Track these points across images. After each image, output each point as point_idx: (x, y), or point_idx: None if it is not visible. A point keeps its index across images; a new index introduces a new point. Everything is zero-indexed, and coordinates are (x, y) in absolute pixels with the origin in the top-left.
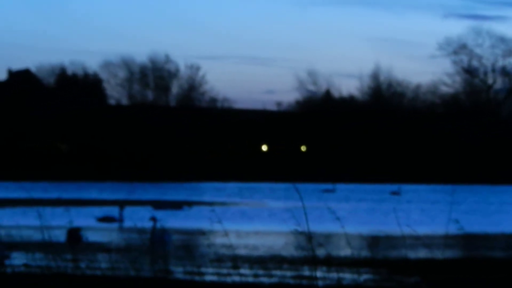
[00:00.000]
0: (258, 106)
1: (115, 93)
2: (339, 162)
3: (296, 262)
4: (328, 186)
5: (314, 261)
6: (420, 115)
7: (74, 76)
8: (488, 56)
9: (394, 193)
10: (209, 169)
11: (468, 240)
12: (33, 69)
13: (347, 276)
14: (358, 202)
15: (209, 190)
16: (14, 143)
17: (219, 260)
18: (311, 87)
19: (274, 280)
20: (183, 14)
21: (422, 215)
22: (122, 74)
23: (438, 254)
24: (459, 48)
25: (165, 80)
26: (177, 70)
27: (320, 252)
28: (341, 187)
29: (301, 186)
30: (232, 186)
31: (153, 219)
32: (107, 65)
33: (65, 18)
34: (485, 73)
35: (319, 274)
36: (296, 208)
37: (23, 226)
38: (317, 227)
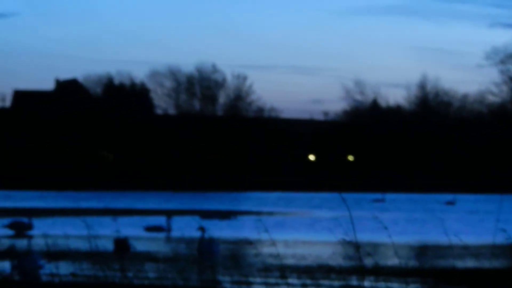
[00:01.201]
0: (305, 115)
1: (162, 103)
2: (387, 171)
3: (344, 271)
4: (378, 195)
5: (362, 271)
6: (467, 125)
7: (121, 86)
8: None
9: (449, 203)
10: (256, 178)
11: None
12: (80, 79)
13: (395, 285)
14: (408, 211)
15: (256, 200)
16: (61, 152)
17: (266, 269)
18: (358, 97)
19: None
20: (230, 24)
21: (470, 224)
22: (169, 84)
23: (486, 263)
24: (506, 58)
25: (212, 90)
26: (224, 80)
27: (368, 261)
28: (391, 196)
29: (350, 195)
30: (279, 195)
31: (201, 228)
32: (154, 75)
33: (112, 28)
34: None
35: (366, 283)
36: (344, 218)
37: (70, 236)
38: (365, 237)
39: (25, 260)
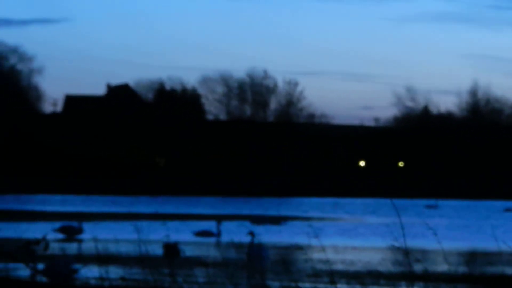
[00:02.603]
0: (355, 122)
1: (213, 108)
2: (438, 177)
3: (393, 277)
4: (431, 202)
5: (411, 277)
6: None
7: (172, 91)
8: None
9: (508, 209)
10: (307, 184)
11: None
12: (132, 84)
13: None
14: (461, 218)
15: (306, 205)
16: (112, 157)
17: (316, 275)
18: (409, 103)
19: None
20: (282, 30)
21: None
22: (220, 89)
23: None
24: None
25: (263, 95)
26: (275, 86)
27: (417, 267)
28: (444, 203)
29: (402, 201)
30: (330, 201)
31: (251, 233)
32: (205, 80)
33: (164, 34)
34: None
35: None
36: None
37: (120, 240)
38: (415, 243)
39: (56, 263)
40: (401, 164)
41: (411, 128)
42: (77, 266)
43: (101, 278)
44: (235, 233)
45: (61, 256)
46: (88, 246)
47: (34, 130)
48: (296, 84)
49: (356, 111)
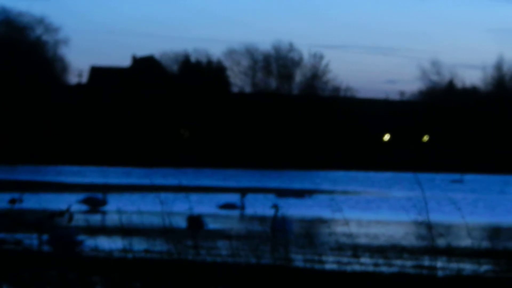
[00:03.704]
0: (380, 95)
1: (238, 81)
2: (463, 152)
3: (416, 251)
4: (456, 176)
5: (434, 251)
6: None
7: (198, 63)
8: None
9: None
10: (332, 157)
11: None
12: (157, 56)
13: (467, 266)
14: (486, 193)
15: (331, 179)
16: (137, 129)
17: (339, 248)
18: (434, 77)
19: (394, 269)
20: (307, 3)
21: None
22: (245, 62)
23: None
24: None
25: (288, 68)
26: (301, 59)
27: (441, 242)
28: (469, 177)
29: (427, 176)
30: (354, 175)
31: (275, 206)
32: (230, 53)
33: (189, 6)
34: None
35: (439, 264)
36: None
37: (144, 212)
38: (438, 217)
39: (58, 234)
40: (425, 138)
41: (436, 102)
42: (81, 237)
43: (124, 250)
44: (259, 206)
45: (65, 227)
46: (112, 218)
47: (59, 101)
48: (321, 57)
49: (381, 85)
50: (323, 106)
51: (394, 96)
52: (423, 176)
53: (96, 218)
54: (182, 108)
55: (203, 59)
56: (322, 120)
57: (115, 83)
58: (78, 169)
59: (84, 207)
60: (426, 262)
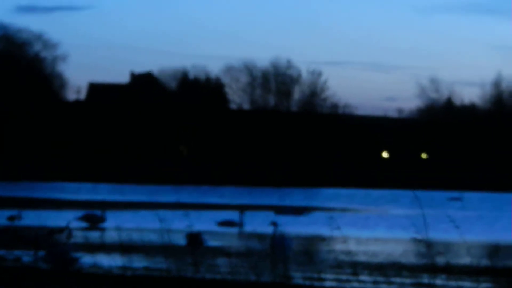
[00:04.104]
0: (379, 112)
1: (236, 97)
2: (462, 169)
3: (415, 269)
4: (455, 194)
5: (433, 269)
6: None
7: (196, 80)
8: None
9: None
10: (331, 174)
11: None
12: (155, 72)
13: (466, 284)
14: (485, 210)
15: (330, 196)
16: (135, 146)
17: (338, 266)
18: (433, 95)
19: (393, 287)
20: (305, 19)
21: None
22: (244, 78)
23: None
24: None
25: (287, 85)
26: (299, 76)
27: (440, 260)
28: (468, 195)
29: (426, 193)
30: (352, 192)
31: (274, 224)
32: (229, 69)
33: (187, 22)
34: None
35: (438, 282)
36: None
37: (143, 229)
38: (437, 235)
39: (55, 251)
40: (424, 155)
41: (435, 120)
42: (78, 254)
43: (123, 267)
44: (258, 223)
45: (62, 243)
46: (111, 235)
47: (57, 117)
48: (319, 74)
49: (379, 102)
50: (322, 123)
51: (393, 113)
52: (422, 194)
53: (95, 235)
54: (181, 124)
55: (202, 76)
56: (320, 137)
57: (113, 99)
58: (76, 185)
59: (83, 224)
60: (425, 280)
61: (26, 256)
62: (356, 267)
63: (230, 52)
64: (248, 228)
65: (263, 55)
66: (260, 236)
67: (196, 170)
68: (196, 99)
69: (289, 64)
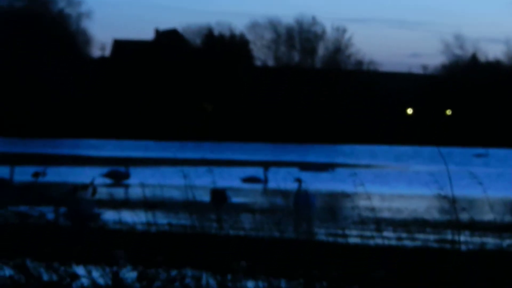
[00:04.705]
0: (403, 69)
1: (261, 54)
2: (487, 126)
3: (439, 226)
4: (481, 150)
5: (457, 225)
6: None
7: (221, 37)
8: None
9: None
10: (354, 131)
11: None
12: (180, 29)
13: (490, 240)
14: (510, 167)
15: (353, 153)
16: (160, 102)
17: (362, 222)
18: (457, 51)
19: (417, 243)
20: None
21: None
22: (268, 35)
23: None
24: None
25: (311, 42)
26: (324, 32)
27: (463, 216)
28: (493, 151)
29: (451, 150)
30: (377, 149)
31: (298, 180)
32: (253, 26)
33: None
34: None
35: (462, 238)
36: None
37: (167, 186)
38: (461, 192)
39: (76, 207)
40: (448, 112)
41: (459, 76)
42: (100, 210)
43: (147, 223)
44: (282, 179)
45: (83, 200)
46: (135, 191)
47: (83, 74)
48: (344, 30)
49: (404, 59)
50: (346, 80)
51: (417, 70)
52: (447, 150)
53: (119, 192)
54: (205, 82)
55: (226, 33)
56: (345, 94)
57: (138, 56)
58: (100, 142)
59: (107, 181)
60: (449, 236)
61: (50, 213)
62: (380, 223)
63: (254, 9)
64: (272, 184)
65: (287, 12)
66: (284, 193)
67: (220, 126)
68: (220, 56)
69: (314, 21)
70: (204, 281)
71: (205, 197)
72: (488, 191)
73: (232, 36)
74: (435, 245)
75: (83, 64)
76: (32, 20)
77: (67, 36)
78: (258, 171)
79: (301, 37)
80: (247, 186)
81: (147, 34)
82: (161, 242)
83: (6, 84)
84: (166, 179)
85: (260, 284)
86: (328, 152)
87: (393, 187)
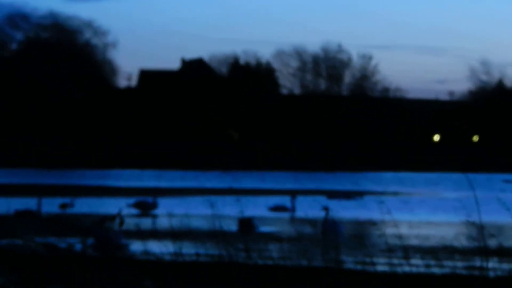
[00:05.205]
0: (430, 95)
1: (287, 82)
2: None
3: (467, 252)
4: (509, 176)
5: (485, 252)
6: None
7: (247, 65)
8: None
9: None
10: (381, 158)
11: None
12: (206, 58)
13: None
14: None
15: (381, 180)
16: (186, 131)
17: (390, 250)
18: (484, 77)
19: (445, 270)
20: (356, 3)
21: None
22: (294, 63)
23: None
24: None
25: (337, 69)
26: (350, 60)
27: (492, 242)
28: None
29: (478, 176)
30: (404, 175)
31: (325, 208)
32: (279, 54)
33: (236, 7)
34: None
35: (490, 264)
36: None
37: (195, 215)
38: (489, 218)
39: (104, 238)
40: (475, 138)
41: (486, 102)
42: (127, 241)
43: (175, 254)
44: (309, 208)
45: (111, 230)
46: (162, 221)
47: (109, 104)
48: (370, 57)
49: (430, 85)
50: (373, 107)
51: (444, 96)
52: (474, 176)
53: (146, 222)
54: (232, 110)
55: (252, 61)
56: (371, 121)
57: (164, 86)
58: (127, 173)
59: (134, 211)
60: (477, 263)
61: (78, 244)
62: (408, 250)
63: (280, 37)
64: (300, 213)
65: (313, 40)
66: (311, 221)
67: (247, 155)
68: (247, 85)
69: (340, 48)
70: None
71: (233, 226)
72: None
73: (258, 64)
74: (463, 272)
75: (109, 94)
76: (59, 50)
77: (94, 66)
78: (285, 200)
79: (327, 65)
80: (274, 214)
81: (173, 63)
82: (188, 272)
83: (33, 115)
84: (193, 208)
85: None
86: (355, 179)
87: (421, 214)
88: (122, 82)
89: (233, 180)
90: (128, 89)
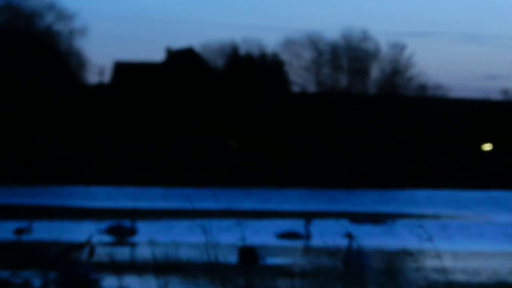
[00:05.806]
0: (478, 95)
1: (299, 78)
2: None
3: None
4: None
5: None
6: None
7: (248, 56)
8: None
9: None
10: (417, 172)
11: None
12: (197, 48)
13: None
14: None
15: (417, 200)
16: (172, 140)
17: (430, 287)
18: None
19: None
20: None
21: None
22: (308, 55)
23: None
24: None
25: (362, 62)
26: (377, 50)
27: None
28: None
29: None
30: (446, 194)
31: (349, 235)
32: (289, 43)
33: None
34: None
35: None
36: None
37: (183, 243)
38: None
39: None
40: None
41: None
42: (99, 275)
43: None
44: (329, 234)
45: (81, 262)
46: (143, 251)
47: (75, 104)
48: (403, 47)
49: (479, 82)
50: (406, 109)
51: (496, 96)
52: None
53: (123, 252)
54: (230, 112)
55: (255, 51)
56: (404, 126)
57: (145, 82)
58: (100, 189)
59: (108, 238)
60: None
61: (37, 279)
62: None
63: (290, 22)
64: (316, 241)
65: (331, 26)
66: (331, 251)
67: (249, 168)
68: (248, 81)
69: (365, 36)
70: None
71: (231, 258)
72: None
73: (263, 56)
74: None
75: (76, 92)
76: (13, 37)
77: (57, 57)
78: (297, 224)
79: (349, 57)
80: (283, 243)
81: (156, 54)
82: None
83: None
84: (181, 235)
85: None
86: (385, 199)
87: (468, 243)
88: (92, 77)
89: (231, 200)
90: (100, 86)
